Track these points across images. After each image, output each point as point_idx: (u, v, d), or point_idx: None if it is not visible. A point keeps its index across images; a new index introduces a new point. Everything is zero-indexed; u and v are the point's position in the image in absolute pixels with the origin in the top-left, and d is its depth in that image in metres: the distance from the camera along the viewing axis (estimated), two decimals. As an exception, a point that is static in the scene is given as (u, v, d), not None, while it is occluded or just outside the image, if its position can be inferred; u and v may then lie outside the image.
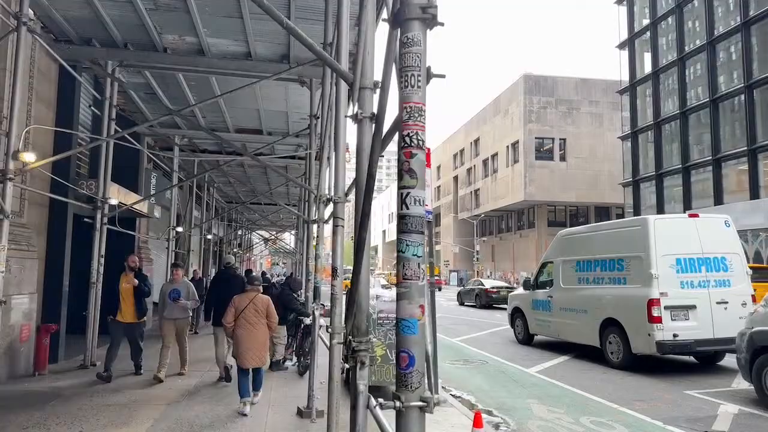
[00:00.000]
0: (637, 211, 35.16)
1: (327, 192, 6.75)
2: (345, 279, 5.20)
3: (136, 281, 8.18)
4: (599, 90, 47.31)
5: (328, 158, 6.70)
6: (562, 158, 46.78)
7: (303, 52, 8.66)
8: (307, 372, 9.12)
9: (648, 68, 35.07)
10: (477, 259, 53.27)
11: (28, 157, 6.14)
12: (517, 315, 13.42)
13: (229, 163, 17.14)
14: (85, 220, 10.39)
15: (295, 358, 9.46)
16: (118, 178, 11.91)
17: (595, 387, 8.53)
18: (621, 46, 37.45)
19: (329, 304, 4.34)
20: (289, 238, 33.37)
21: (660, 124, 33.51)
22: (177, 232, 13.57)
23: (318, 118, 9.54)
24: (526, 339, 12.96)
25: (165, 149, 15.82)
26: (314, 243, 7.66)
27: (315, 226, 8.34)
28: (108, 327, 8.26)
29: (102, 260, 9.32)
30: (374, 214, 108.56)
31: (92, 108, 11.46)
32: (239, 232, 32.41)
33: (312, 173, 8.85)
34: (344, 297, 4.24)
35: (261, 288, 7.02)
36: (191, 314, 8.84)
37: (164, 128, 13.70)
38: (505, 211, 53.29)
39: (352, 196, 4.38)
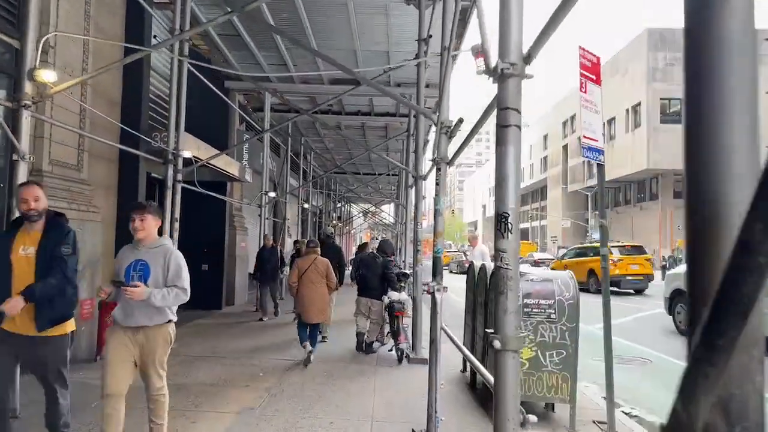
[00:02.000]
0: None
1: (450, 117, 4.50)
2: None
3: (37, 228, 3.55)
4: (739, 41, 40.49)
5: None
6: (693, 121, 40.79)
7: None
8: (405, 360, 7.22)
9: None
10: (590, 234, 48.63)
11: (48, 76, 4.45)
12: (679, 299, 10.45)
13: (324, 122, 15.39)
14: (159, 178, 8.97)
15: (391, 342, 7.67)
16: (208, 138, 10.50)
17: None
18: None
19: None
20: (388, 210, 31.61)
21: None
22: (269, 198, 12.03)
23: (429, 38, 7.26)
24: (692, 330, 10.00)
25: (257, 110, 14.34)
26: (428, 196, 5.47)
27: (429, 178, 6.22)
28: None
29: (177, 225, 7.80)
30: (473, 188, 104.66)
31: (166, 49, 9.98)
32: (338, 205, 31.18)
33: (420, 96, 6.66)
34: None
35: (319, 250, 7.41)
36: (170, 314, 3.76)
37: (254, 80, 12.08)
38: (622, 181, 48.03)
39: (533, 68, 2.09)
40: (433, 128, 5.50)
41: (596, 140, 5.35)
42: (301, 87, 12.05)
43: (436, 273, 4.50)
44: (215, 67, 11.29)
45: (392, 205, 29.27)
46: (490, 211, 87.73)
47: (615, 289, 17.96)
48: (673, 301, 10.65)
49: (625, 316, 13.06)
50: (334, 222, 27.36)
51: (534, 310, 5.18)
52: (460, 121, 4.12)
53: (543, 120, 66.52)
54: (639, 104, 41.92)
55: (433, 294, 4.42)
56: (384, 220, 31.61)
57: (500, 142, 2.00)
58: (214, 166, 10.53)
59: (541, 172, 64.89)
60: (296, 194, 17.13)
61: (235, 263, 12.77)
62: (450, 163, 4.59)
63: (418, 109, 5.52)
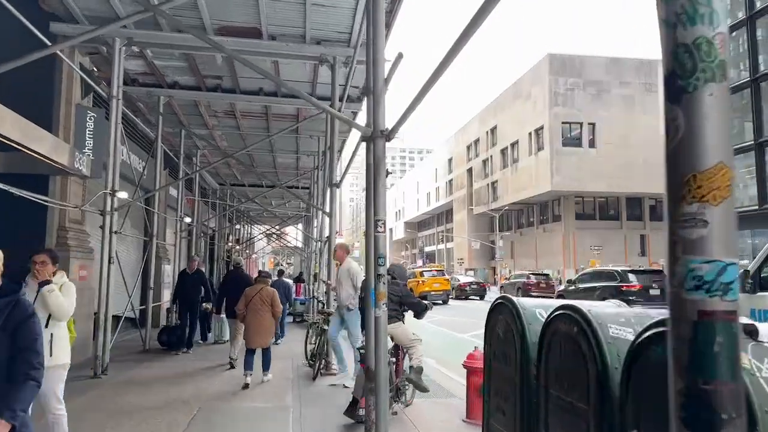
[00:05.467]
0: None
1: None
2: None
3: None
4: (631, 70, 41.52)
5: None
6: (591, 144, 40.92)
7: None
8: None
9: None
10: (498, 256, 47.24)
11: None
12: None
13: (214, 109, 11.18)
14: None
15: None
16: (24, 113, 6.12)
17: None
18: None
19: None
20: (297, 228, 27.29)
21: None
22: (118, 201, 7.63)
23: None
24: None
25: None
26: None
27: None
28: None
29: None
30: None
31: None
32: (237, 226, 26.39)
33: None
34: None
35: (269, 281, 7.67)
36: None
37: (94, 24, 7.75)
38: (525, 204, 47.37)
39: None
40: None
41: None
42: (173, 38, 7.87)
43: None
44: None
45: (300, 226, 25.07)
46: (397, 234, 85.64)
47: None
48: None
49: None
50: (230, 244, 22.64)
51: None
52: None
53: (446, 146, 65.76)
54: (542, 128, 41.42)
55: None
56: (290, 243, 27.28)
57: None
58: (18, 144, 6.09)
59: (446, 195, 63.68)
60: (175, 206, 12.61)
61: (66, 302, 8.12)
62: None
63: None
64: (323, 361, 7.77)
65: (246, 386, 6.72)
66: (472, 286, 30.00)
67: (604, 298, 16.55)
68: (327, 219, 9.75)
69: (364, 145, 4.98)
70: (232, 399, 6.19)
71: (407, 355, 5.80)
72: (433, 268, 29.91)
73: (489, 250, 51.53)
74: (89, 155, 8.35)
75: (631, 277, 17.34)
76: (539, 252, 45.65)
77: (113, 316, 8.82)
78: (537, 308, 2.76)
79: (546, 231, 45.51)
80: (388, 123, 4.03)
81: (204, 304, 9.81)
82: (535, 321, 2.69)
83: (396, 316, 5.79)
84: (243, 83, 9.84)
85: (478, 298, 28.93)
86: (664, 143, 0.91)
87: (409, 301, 5.95)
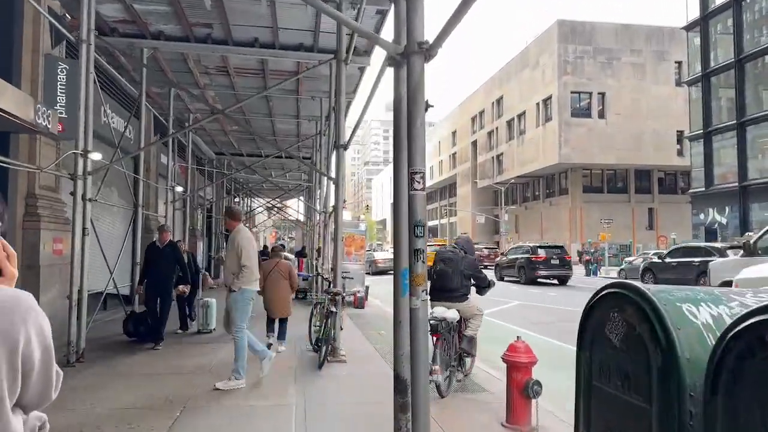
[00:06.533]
0: (708, 169, 28.12)
1: None
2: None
3: None
4: (641, 37, 39.85)
5: None
6: (601, 115, 39.51)
7: None
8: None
9: (724, -4, 27.65)
10: (503, 230, 46.17)
11: None
12: None
13: (200, 58, 9.98)
14: None
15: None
16: None
17: None
18: (685, -26, 29.93)
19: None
20: (297, 206, 26.25)
21: (743, 62, 26.26)
22: (92, 163, 6.53)
23: None
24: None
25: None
26: None
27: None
28: None
29: None
30: (382, 186, 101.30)
31: None
32: (236, 199, 25.30)
33: None
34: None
35: (283, 254, 7.99)
36: None
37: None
38: (531, 177, 46.14)
39: None
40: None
41: None
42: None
43: None
44: None
45: (302, 198, 23.99)
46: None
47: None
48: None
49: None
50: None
51: None
52: None
53: (450, 118, 64.16)
54: (550, 97, 39.95)
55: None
56: (291, 217, 26.24)
57: None
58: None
59: (450, 168, 62.39)
60: (167, 175, 11.48)
61: (38, 280, 7.10)
62: None
63: None
64: (329, 346, 6.79)
65: (268, 345, 6.97)
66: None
67: (521, 267, 21.58)
68: (332, 187, 8.67)
69: (376, 104, 3.87)
70: (222, 396, 5.20)
71: (466, 323, 5.64)
72: (436, 243, 29.02)
73: (493, 224, 50.55)
74: (60, 112, 7.21)
75: (540, 251, 21.55)
76: (545, 226, 44.63)
77: (95, 294, 7.84)
78: (683, 302, 1.71)
79: (552, 205, 44.41)
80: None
81: (180, 286, 7.99)
82: (685, 324, 1.65)
83: (466, 293, 5.62)
84: (236, 32, 8.61)
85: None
86: None
87: (477, 276, 5.67)
